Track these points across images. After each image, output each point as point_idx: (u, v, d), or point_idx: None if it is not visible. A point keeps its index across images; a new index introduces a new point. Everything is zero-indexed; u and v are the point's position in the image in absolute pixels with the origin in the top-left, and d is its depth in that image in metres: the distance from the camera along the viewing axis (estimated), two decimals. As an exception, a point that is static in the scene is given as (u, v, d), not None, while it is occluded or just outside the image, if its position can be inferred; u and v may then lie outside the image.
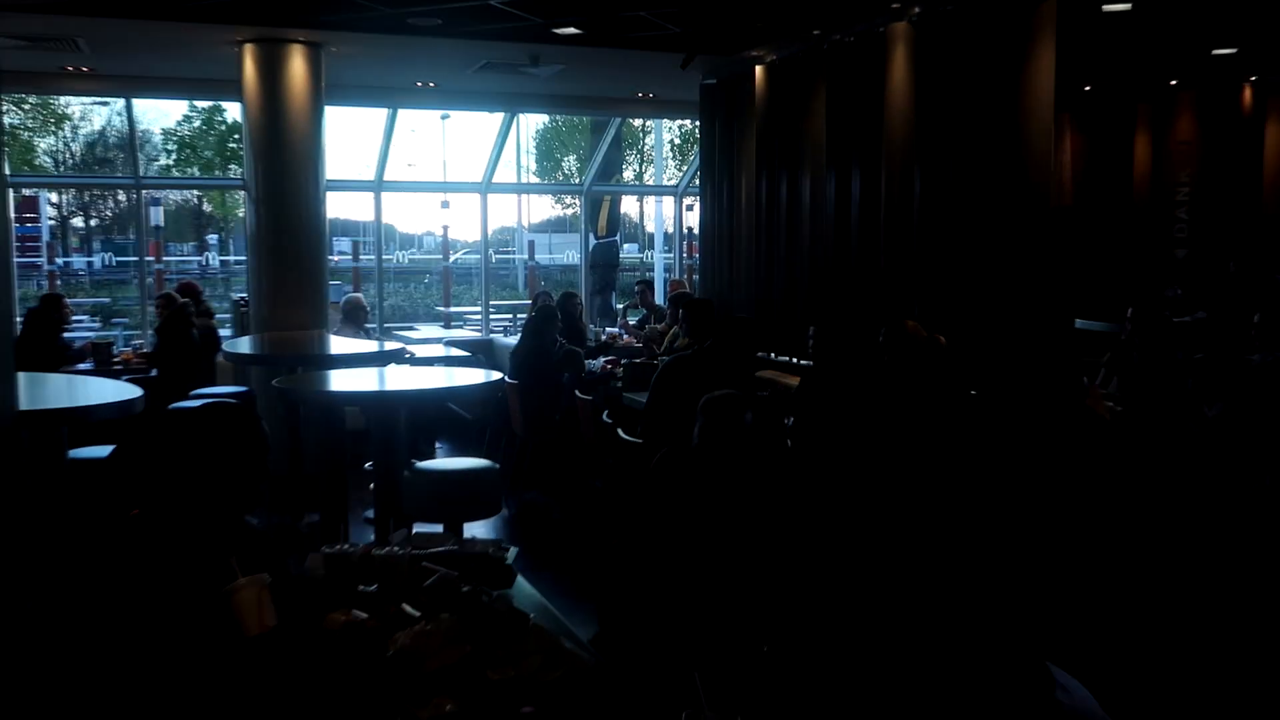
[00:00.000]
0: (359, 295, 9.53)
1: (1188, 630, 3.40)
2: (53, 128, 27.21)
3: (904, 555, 4.06)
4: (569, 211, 33.14)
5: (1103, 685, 1.93)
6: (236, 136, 27.05)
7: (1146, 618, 3.45)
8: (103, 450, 5.17)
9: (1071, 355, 5.30)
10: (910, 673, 1.92)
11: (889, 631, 2.41)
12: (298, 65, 8.09)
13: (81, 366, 8.40)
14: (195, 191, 30.41)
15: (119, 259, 25.24)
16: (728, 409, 3.38)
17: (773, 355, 7.92)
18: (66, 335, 8.85)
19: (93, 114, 27.81)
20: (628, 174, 29.37)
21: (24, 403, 4.29)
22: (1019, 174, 5.74)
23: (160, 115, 27.16)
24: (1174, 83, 9.60)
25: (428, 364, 8.83)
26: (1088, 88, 9.41)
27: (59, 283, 18.48)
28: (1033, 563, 3.62)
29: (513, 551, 3.16)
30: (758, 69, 8.15)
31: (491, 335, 11.45)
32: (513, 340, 9.93)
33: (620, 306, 12.60)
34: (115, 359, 8.56)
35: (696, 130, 10.87)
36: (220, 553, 2.39)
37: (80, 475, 4.95)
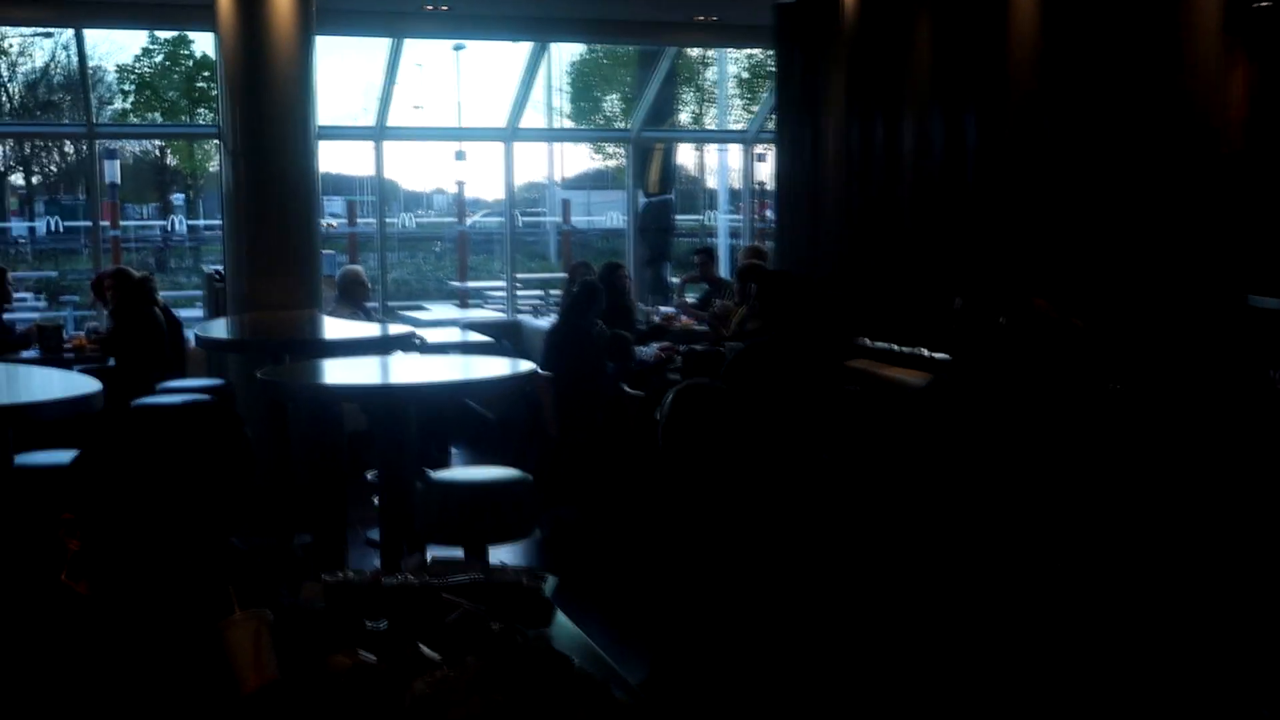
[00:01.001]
0: (357, 268, 9.63)
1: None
2: (-14, 65, 27.71)
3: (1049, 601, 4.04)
4: (612, 163, 33.16)
5: None
6: (207, 74, 27.36)
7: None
8: (57, 456, 5.27)
9: (1248, 341, 5.23)
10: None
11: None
12: (283, -13, 8.18)
13: (25, 355, 8.56)
14: (158, 141, 30.80)
15: (67, 224, 25.69)
16: (697, 402, 3.40)
17: (867, 341, 7.88)
18: (6, 317, 9.04)
19: (34, 48, 28.26)
20: (684, 117, 29.30)
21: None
22: (1176, 114, 5.66)
23: (115, 49, 27.49)
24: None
25: (441, 351, 8.91)
26: (1264, 2, 9.25)
27: (-4, 253, 18.85)
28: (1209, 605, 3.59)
29: (551, 581, 3.17)
30: (847, -15, 8.11)
31: (519, 316, 11.52)
32: (545, 322, 9.99)
33: (676, 281, 12.61)
34: (66, 345, 8.71)
35: (770, 62, 10.81)
36: (210, 580, 2.43)
37: (31, 486, 5.04)
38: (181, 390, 7.31)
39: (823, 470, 5.43)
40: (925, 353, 7.19)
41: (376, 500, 7.06)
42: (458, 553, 4.62)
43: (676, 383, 7.36)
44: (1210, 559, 3.73)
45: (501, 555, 6.30)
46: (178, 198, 32.28)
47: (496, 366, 6.07)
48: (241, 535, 3.06)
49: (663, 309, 10.51)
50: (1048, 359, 4.84)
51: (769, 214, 14.70)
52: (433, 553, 3.83)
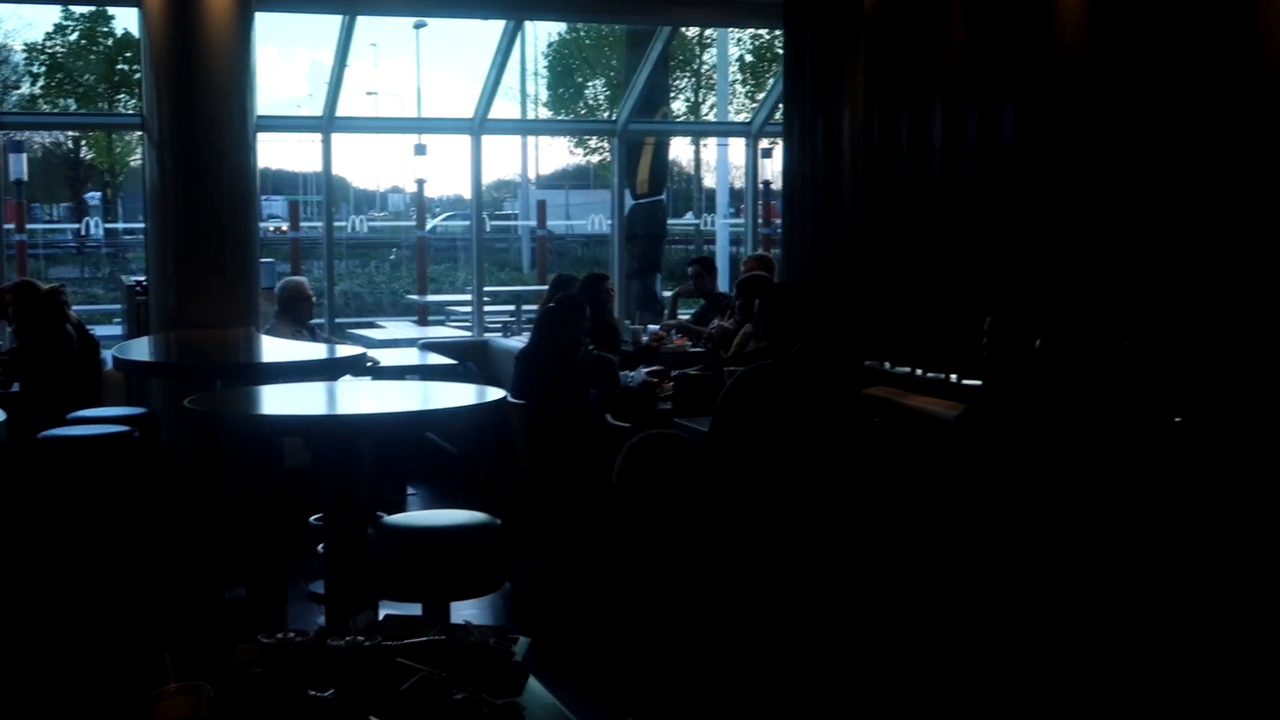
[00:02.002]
0: (300, 279, 9.64)
1: None
2: (-128, 43, 27.72)
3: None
4: (595, 159, 33.28)
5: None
6: (130, 55, 27.40)
7: None
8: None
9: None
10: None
11: None
12: (217, -45, 8.21)
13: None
14: (71, 132, 30.84)
15: (-36, 227, 25.71)
16: (648, 456, 3.46)
17: (887, 365, 7.91)
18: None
19: (-71, 24, 28.30)
20: (678, 106, 29.44)
21: None
22: (1248, 102, 5.68)
23: (22, 25, 27.57)
24: None
25: (397, 376, 8.92)
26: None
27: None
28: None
29: (522, 643, 3.18)
30: (867, -43, 8.16)
31: (486, 335, 11.53)
32: (517, 342, 10.01)
33: (668, 295, 12.64)
34: (-38, 368, 8.69)
35: (777, 44, 10.83)
36: (137, 642, 2.43)
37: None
38: (97, 420, 7.29)
39: (839, 513, 5.45)
40: (954, 379, 7.22)
41: (321, 548, 7.07)
42: (415, 609, 4.61)
43: (667, 413, 7.43)
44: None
45: (466, 612, 6.31)
46: (94, 196, 32.29)
47: (461, 394, 6.07)
48: (168, 586, 3.07)
49: (652, 327, 10.53)
50: (1093, 387, 4.85)
51: (775, 219, 14.77)
52: (386, 610, 3.83)
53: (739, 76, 29.49)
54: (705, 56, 30.15)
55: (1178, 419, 5.48)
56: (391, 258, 29.09)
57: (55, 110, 27.96)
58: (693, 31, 26.69)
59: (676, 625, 3.31)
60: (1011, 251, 6.90)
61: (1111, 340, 4.98)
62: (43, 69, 28.54)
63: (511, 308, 13.56)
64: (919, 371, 7.64)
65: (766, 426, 4.01)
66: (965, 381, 7.02)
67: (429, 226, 23.12)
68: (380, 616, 3.33)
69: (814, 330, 5.61)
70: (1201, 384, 5.56)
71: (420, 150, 15.44)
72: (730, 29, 20.83)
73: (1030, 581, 4.47)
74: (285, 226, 21.54)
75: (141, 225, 8.83)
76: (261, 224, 9.47)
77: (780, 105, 10.15)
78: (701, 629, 3.29)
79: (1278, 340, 5.03)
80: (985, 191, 7.10)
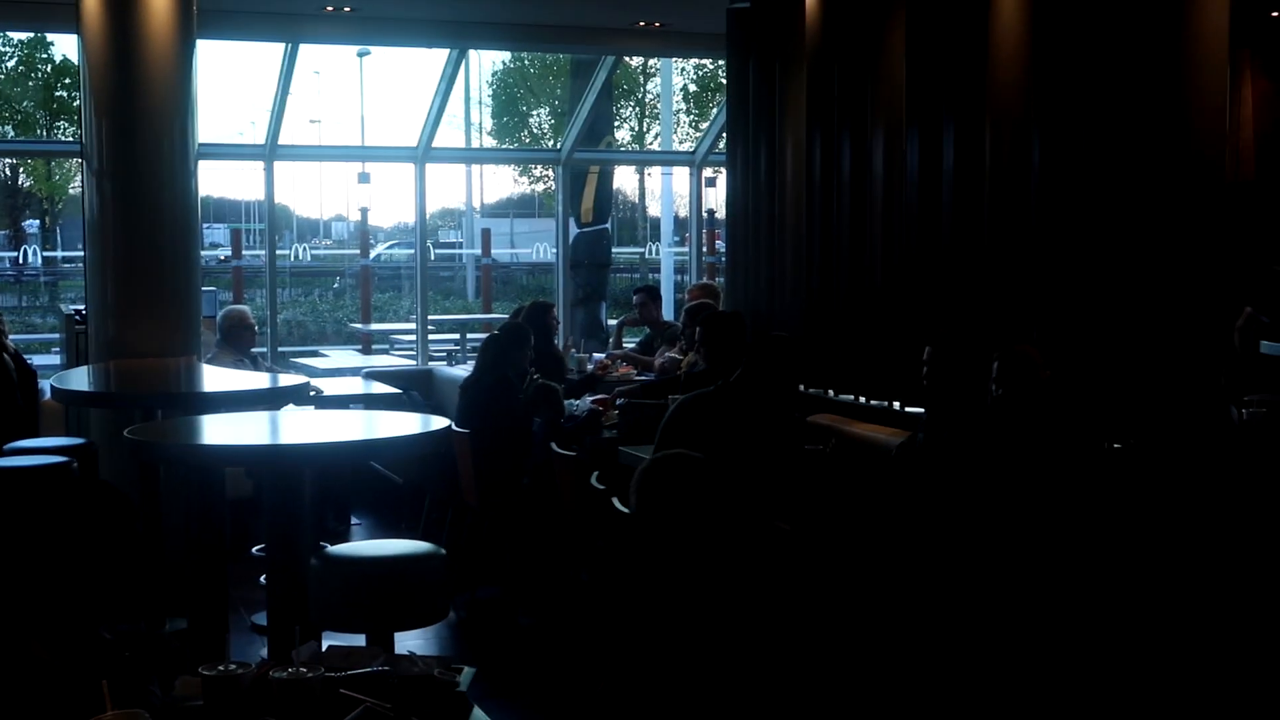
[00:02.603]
0: (242, 308, 9.59)
1: None
2: None
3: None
4: (539, 187, 33.33)
5: None
6: (68, 82, 27.21)
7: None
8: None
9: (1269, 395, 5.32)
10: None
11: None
12: (159, -17, 8.17)
13: None
14: (8, 159, 30.54)
15: (-101, 255, 25.42)
16: (668, 477, 3.48)
17: (830, 392, 7.95)
18: None
19: None
20: (623, 135, 29.54)
21: None
22: (1178, 134, 5.78)
23: (-40, 51, 27.28)
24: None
25: (341, 405, 8.89)
26: (1277, 13, 9.48)
27: None
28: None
29: (467, 673, 3.17)
30: (809, -13, 8.24)
31: (431, 364, 11.50)
32: (461, 371, 9.99)
33: (614, 322, 12.66)
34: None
35: (721, 74, 10.91)
36: (75, 673, 2.41)
37: None
38: (35, 451, 7.21)
39: (781, 542, 5.47)
40: (897, 406, 7.27)
41: (263, 579, 7.02)
42: (359, 640, 4.59)
43: (612, 441, 7.43)
44: (1232, 637, 3.79)
45: (410, 643, 6.28)
46: (31, 224, 31.98)
47: (405, 424, 6.05)
48: (105, 620, 3.04)
49: (597, 356, 10.54)
50: (1035, 415, 4.91)
51: (720, 246, 14.85)
52: (329, 641, 3.81)
53: (683, 105, 29.65)
54: (649, 85, 30.30)
55: (1115, 446, 5.56)
56: (335, 286, 28.98)
57: (-8, 137, 27.70)
58: (637, 61, 26.81)
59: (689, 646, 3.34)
60: (952, 279, 6.97)
61: (1057, 369, 5.06)
62: (-21, 95, 28.29)
63: (456, 336, 13.52)
64: (862, 399, 7.69)
65: (708, 452, 4.05)
66: (908, 409, 7.06)
67: (373, 255, 23.05)
68: (323, 648, 3.31)
69: (753, 357, 5.64)
70: (1140, 410, 5.63)
71: (364, 178, 15.44)
72: (675, 59, 20.94)
73: (975, 607, 4.51)
74: (228, 254, 21.40)
75: (80, 253, 8.75)
76: (204, 252, 9.41)
77: (724, 134, 10.21)
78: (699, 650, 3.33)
79: (1206, 369, 5.11)
80: (925, 219, 7.17)
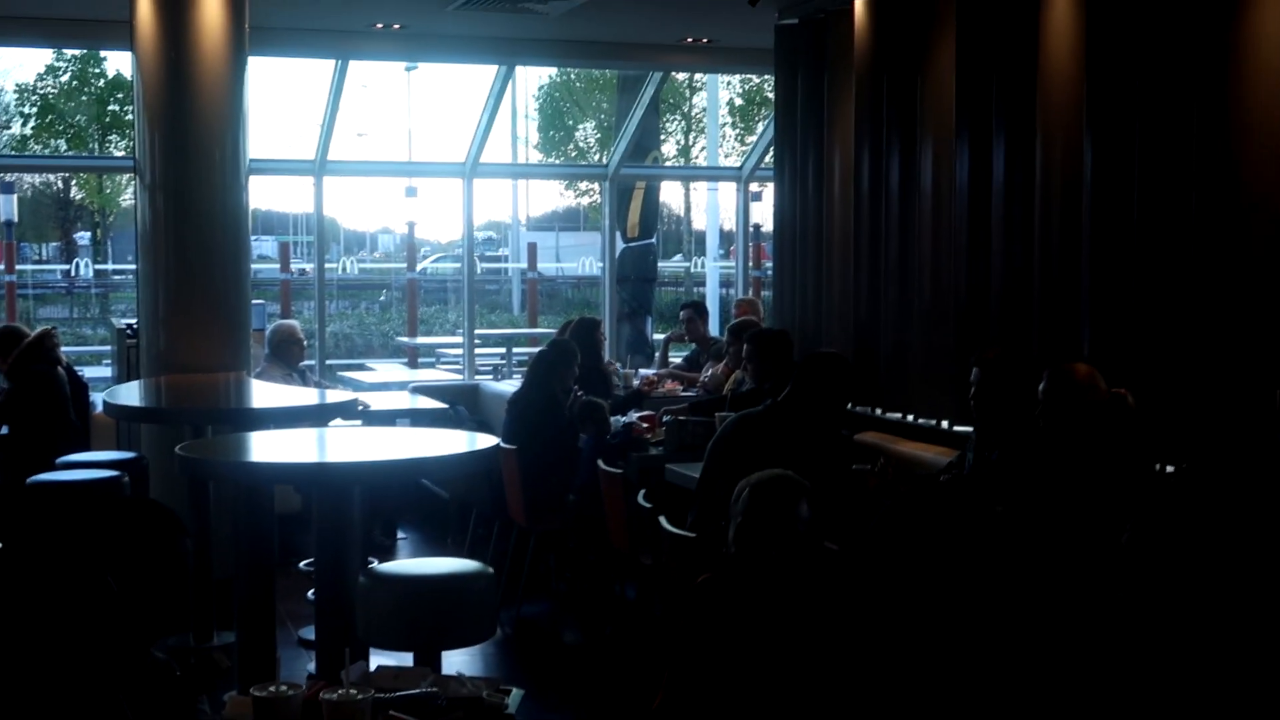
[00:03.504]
0: (292, 323, 9.64)
1: None
2: None
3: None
4: (585, 201, 33.39)
5: None
6: (120, 96, 27.50)
7: None
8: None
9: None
10: None
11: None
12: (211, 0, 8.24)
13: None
14: (61, 173, 30.86)
15: (-48, 268, 25.71)
16: (779, 497, 3.47)
17: (878, 411, 7.91)
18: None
19: (-82, 63, 28.37)
20: (669, 149, 29.57)
21: None
22: (1235, 144, 5.70)
23: (14, 65, 27.62)
24: None
25: (388, 421, 8.91)
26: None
27: None
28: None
29: (516, 695, 3.18)
30: (857, 3, 8.21)
31: (478, 379, 11.52)
32: (508, 386, 10.00)
33: (660, 337, 12.65)
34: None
35: (767, 88, 10.89)
36: (127, 692, 2.42)
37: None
38: (86, 465, 7.27)
39: (831, 562, 5.43)
40: (945, 425, 7.23)
41: (311, 594, 7.04)
42: (407, 659, 4.59)
43: (659, 458, 7.42)
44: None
45: (458, 663, 6.29)
46: (83, 237, 32.31)
47: (453, 442, 6.06)
48: (155, 635, 3.05)
49: (644, 372, 10.53)
50: (1093, 436, 4.85)
51: (766, 261, 14.82)
52: (376, 658, 3.82)
53: (729, 120, 29.64)
54: (695, 100, 30.31)
55: (1169, 469, 5.49)
56: (382, 299, 29.10)
57: (46, 151, 27.98)
58: (683, 76, 26.82)
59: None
60: (1002, 294, 6.91)
61: (1114, 393, 5.00)
62: (34, 109, 28.59)
63: (502, 351, 13.54)
64: (909, 417, 7.65)
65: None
66: (956, 428, 7.02)
67: (420, 268, 23.15)
68: (372, 667, 3.32)
69: (802, 375, 5.62)
70: (1193, 436, 5.57)
71: (411, 193, 15.50)
72: (721, 74, 20.93)
73: (1026, 634, 4.46)
74: (263, 266, 21.54)
75: (132, 266, 8.82)
76: (253, 265, 9.47)
77: (770, 149, 10.19)
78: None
79: (1271, 382, 5.03)
80: (975, 233, 7.13)
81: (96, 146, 28.19)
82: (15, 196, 18.23)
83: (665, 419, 7.89)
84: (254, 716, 2.78)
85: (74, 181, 30.86)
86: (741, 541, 3.46)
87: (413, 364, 15.22)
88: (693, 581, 3.61)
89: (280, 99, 27.54)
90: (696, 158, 30.37)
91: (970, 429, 5.92)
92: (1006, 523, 4.72)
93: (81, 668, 2.38)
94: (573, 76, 30.31)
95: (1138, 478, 4.87)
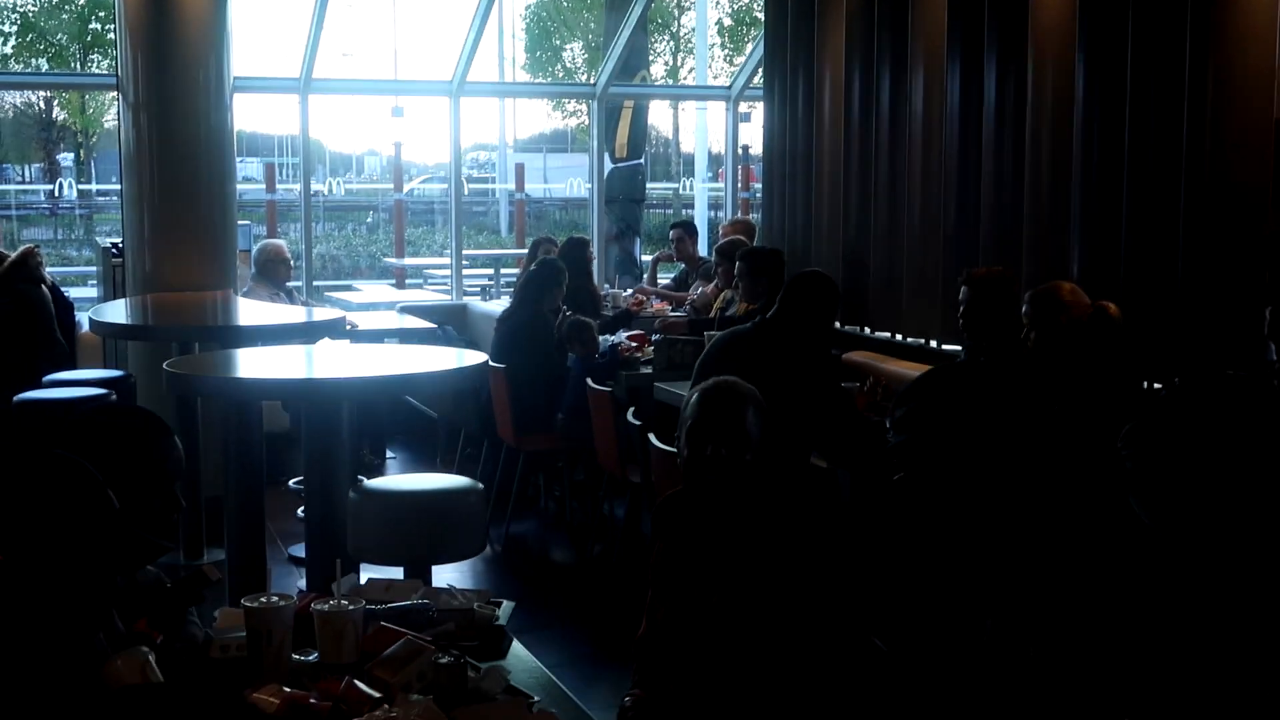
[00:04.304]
0: (278, 242, 9.60)
1: None
2: None
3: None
4: (573, 122, 33.18)
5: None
6: (102, 14, 27.17)
7: None
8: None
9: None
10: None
11: None
12: (193, -86, 8.14)
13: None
14: (42, 92, 30.54)
15: (-69, 187, 25.56)
16: (723, 404, 3.40)
17: (866, 330, 7.92)
18: None
19: (-103, -19, 27.99)
20: (657, 69, 29.33)
21: None
22: (1226, 67, 5.69)
23: (-7, -16, 27.25)
24: None
25: (376, 340, 8.90)
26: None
27: None
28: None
29: (506, 607, 3.19)
30: (849, -81, 8.13)
31: (465, 299, 11.51)
32: (496, 306, 9.99)
33: (648, 259, 12.63)
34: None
35: (756, 8, 10.81)
36: (118, 607, 2.43)
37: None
38: (73, 383, 7.27)
39: (818, 478, 5.47)
40: (933, 344, 7.24)
41: (300, 512, 7.08)
42: (397, 573, 4.62)
43: (648, 377, 7.43)
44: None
45: (449, 576, 6.32)
46: (66, 158, 32.06)
47: (441, 358, 6.06)
48: (145, 552, 3.06)
49: (631, 290, 10.53)
50: (1079, 354, 4.86)
51: (755, 183, 14.76)
52: (368, 573, 3.83)
53: (718, 40, 29.41)
54: (684, 20, 30.06)
55: (1157, 386, 5.52)
56: (369, 221, 28.99)
57: (27, 70, 27.68)
58: (672, -6, 26.61)
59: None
60: (991, 215, 6.91)
61: (1098, 306, 4.99)
62: (14, 28, 28.24)
63: (490, 272, 13.51)
64: (898, 336, 7.66)
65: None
66: (944, 346, 7.04)
67: (406, 190, 23.02)
68: (362, 580, 3.33)
69: (789, 293, 5.61)
70: (1182, 353, 5.59)
71: (398, 113, 15.37)
72: (709, -8, 20.70)
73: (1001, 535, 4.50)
74: (247, 187, 21.40)
75: (115, 187, 8.77)
76: (238, 186, 9.41)
77: (760, 70, 10.11)
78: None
79: (1258, 301, 5.04)
80: (965, 155, 7.11)
81: (79, 65, 27.89)
82: (-4, 116, 18.04)
83: (655, 337, 7.90)
84: (245, 626, 2.79)
85: (56, 102, 30.56)
86: (688, 451, 3.40)
87: (400, 285, 15.19)
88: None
89: (264, 16, 27.25)
90: (685, 79, 30.18)
91: (959, 348, 5.93)
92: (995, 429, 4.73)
93: (77, 583, 2.38)
94: (560, -5, 30.04)
95: (1125, 389, 4.89)
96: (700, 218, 19.54)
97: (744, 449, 3.34)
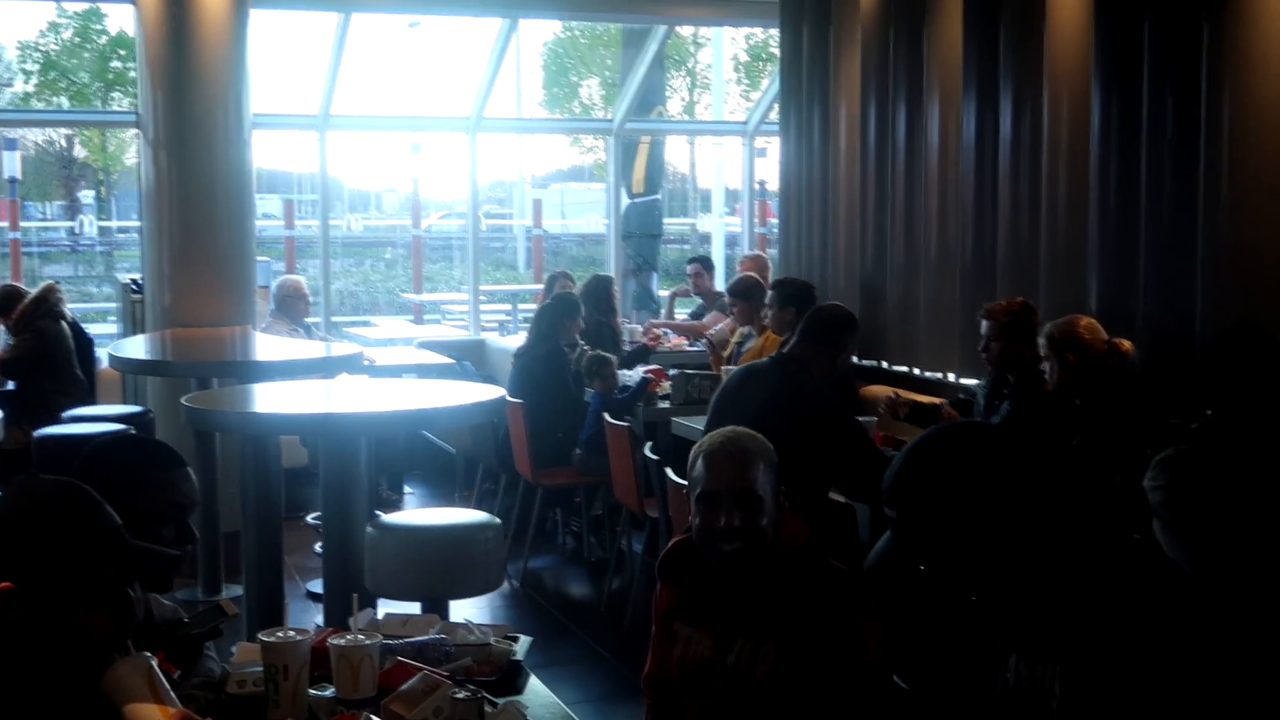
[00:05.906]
0: (297, 278, 9.64)
1: None
2: None
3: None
4: (590, 158, 33.27)
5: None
6: (123, 53, 27.39)
7: None
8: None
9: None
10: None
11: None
12: (213, -47, 8.21)
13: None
14: (64, 130, 30.77)
15: (-45, 226, 25.70)
16: (731, 467, 3.22)
17: (883, 364, 7.91)
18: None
19: (-80, 20, 28.23)
20: (674, 105, 29.45)
21: None
22: (1244, 99, 5.67)
23: (15, 22, 27.48)
24: None
25: (394, 375, 8.92)
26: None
27: None
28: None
29: (524, 642, 3.18)
30: (864, -45, 8.16)
31: (483, 334, 11.53)
32: (513, 341, 10.00)
33: (665, 294, 12.64)
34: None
35: (772, 43, 10.86)
36: (135, 640, 2.42)
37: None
38: (94, 419, 7.28)
39: (836, 513, 5.44)
40: (952, 377, 7.22)
41: (318, 547, 7.07)
42: (414, 608, 4.60)
43: (665, 412, 7.42)
44: None
45: (466, 611, 6.30)
46: (87, 195, 32.25)
47: (459, 393, 6.06)
48: (163, 587, 3.06)
49: (642, 326, 10.53)
50: (1095, 389, 4.85)
51: (771, 218, 14.77)
52: (385, 608, 3.82)
53: (734, 75, 29.52)
54: (700, 56, 30.17)
55: (1173, 421, 5.48)
56: (387, 257, 29.06)
57: (49, 108, 27.90)
58: (688, 31, 26.69)
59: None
60: (1009, 249, 6.90)
61: (1111, 344, 4.98)
62: (36, 66, 28.47)
63: (508, 307, 13.55)
64: (916, 370, 7.65)
65: (762, 425, 3.99)
66: (963, 380, 7.02)
67: (424, 226, 23.10)
68: (379, 615, 3.33)
69: (806, 328, 5.59)
70: (1200, 389, 5.55)
71: (416, 149, 15.46)
72: (727, 27, 20.80)
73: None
74: (265, 223, 21.49)
75: (136, 223, 8.83)
76: (257, 223, 9.46)
77: (776, 105, 10.15)
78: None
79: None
80: (981, 188, 7.10)
81: (100, 104, 28.09)
82: (19, 154, 18.18)
83: (672, 371, 7.90)
84: (262, 661, 2.79)
85: (77, 140, 30.76)
86: (699, 520, 3.14)
87: (418, 320, 15.23)
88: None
89: (283, 53, 27.44)
90: (701, 114, 30.27)
91: (976, 381, 5.92)
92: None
93: (93, 614, 2.37)
94: (577, 33, 30.16)
95: (1136, 425, 4.87)
96: (718, 252, 19.57)
97: (757, 515, 3.11)
